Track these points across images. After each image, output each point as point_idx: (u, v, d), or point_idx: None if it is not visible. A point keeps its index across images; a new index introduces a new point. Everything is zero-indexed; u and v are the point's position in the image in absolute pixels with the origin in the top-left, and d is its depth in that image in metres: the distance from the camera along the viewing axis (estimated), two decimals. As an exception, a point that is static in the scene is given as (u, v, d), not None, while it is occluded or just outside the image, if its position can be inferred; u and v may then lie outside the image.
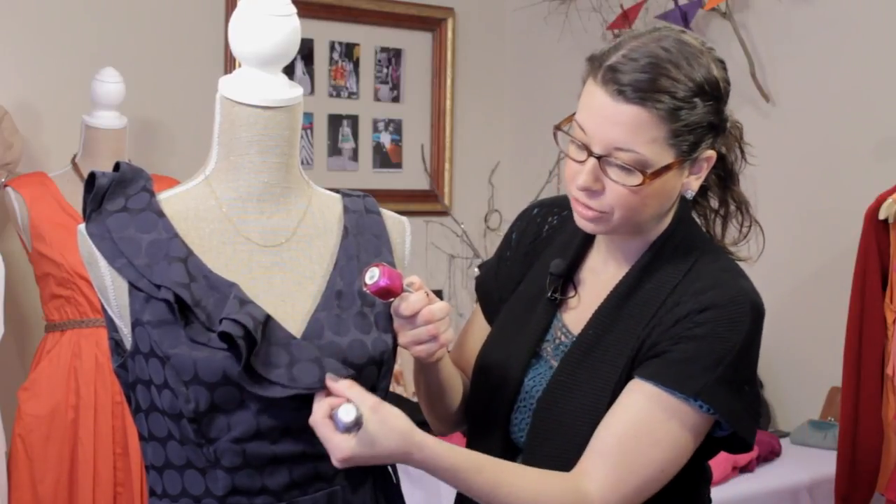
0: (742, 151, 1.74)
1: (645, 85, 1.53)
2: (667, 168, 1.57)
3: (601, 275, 1.72)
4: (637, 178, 1.56)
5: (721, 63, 1.63)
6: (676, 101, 1.54)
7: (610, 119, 1.55)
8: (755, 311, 1.60)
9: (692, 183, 1.64)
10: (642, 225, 1.65)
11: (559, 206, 1.83)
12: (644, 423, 1.57)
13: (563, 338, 1.71)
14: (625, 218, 1.60)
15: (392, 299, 1.57)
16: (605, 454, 1.57)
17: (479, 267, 1.92)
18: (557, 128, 1.63)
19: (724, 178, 1.74)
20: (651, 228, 1.67)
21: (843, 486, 3.10)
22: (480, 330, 1.83)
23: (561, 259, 1.73)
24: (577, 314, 1.72)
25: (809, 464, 3.36)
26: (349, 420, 1.45)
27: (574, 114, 1.62)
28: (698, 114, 1.57)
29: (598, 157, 1.57)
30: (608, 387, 1.61)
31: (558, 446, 1.62)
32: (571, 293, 1.73)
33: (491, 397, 1.71)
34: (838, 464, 3.12)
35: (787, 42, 3.84)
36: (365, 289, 1.55)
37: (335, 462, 1.48)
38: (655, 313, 1.62)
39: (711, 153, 1.63)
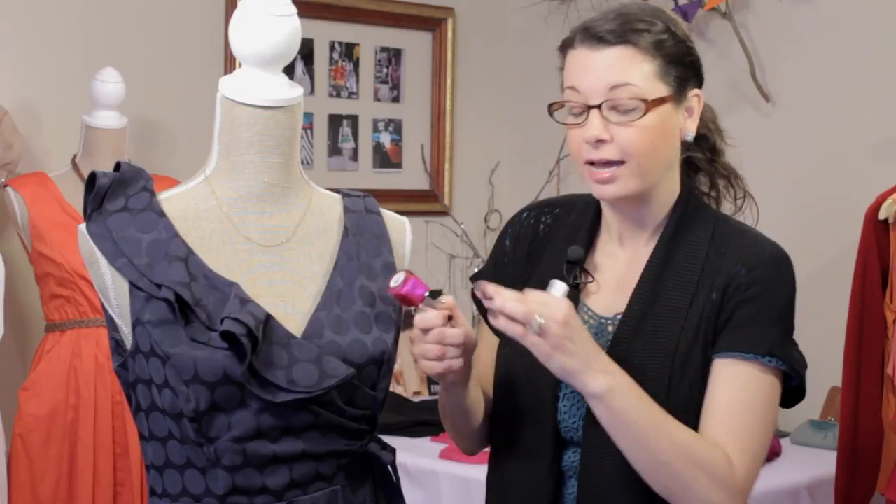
0: (720, 133, 1.82)
1: (621, 28, 1.64)
2: (662, 100, 1.64)
3: (619, 256, 1.75)
4: (639, 112, 1.63)
5: (681, 21, 1.74)
6: (655, 35, 1.65)
7: (599, 66, 1.64)
8: (790, 263, 1.70)
9: (688, 125, 1.71)
10: (655, 176, 1.68)
11: (549, 206, 1.85)
12: (735, 394, 1.63)
13: (591, 321, 1.72)
14: (640, 165, 1.64)
15: (412, 308, 1.58)
16: (721, 434, 1.62)
17: (472, 280, 1.91)
18: (552, 106, 1.70)
19: (710, 155, 1.81)
20: (661, 197, 1.71)
21: (843, 486, 3.10)
22: (489, 340, 1.82)
23: (577, 246, 1.74)
24: (601, 298, 1.73)
25: (809, 464, 3.36)
26: (563, 290, 1.55)
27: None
28: (676, 49, 1.67)
29: (599, 106, 1.63)
30: (667, 360, 1.64)
31: None
32: (589, 279, 1.74)
33: (532, 391, 1.70)
34: (838, 464, 3.12)
35: (787, 42, 3.84)
36: (388, 290, 1.58)
37: (557, 321, 1.51)
38: (698, 283, 1.67)
39: (699, 92, 1.71)
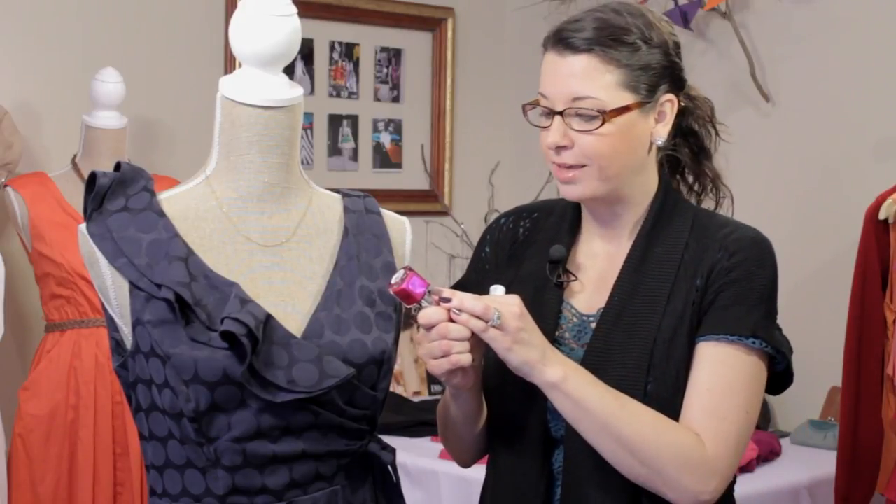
0: (715, 129, 1.82)
1: (591, 34, 1.65)
2: (625, 109, 1.65)
3: (600, 255, 1.76)
4: (597, 122, 1.64)
5: (666, 22, 1.73)
6: (624, 45, 1.65)
7: (564, 73, 1.65)
8: (771, 246, 1.72)
9: (659, 130, 1.71)
10: (621, 179, 1.70)
11: (526, 211, 1.88)
12: (717, 375, 1.64)
13: (574, 319, 1.73)
14: (602, 169, 1.66)
15: (413, 305, 1.58)
16: (697, 416, 1.63)
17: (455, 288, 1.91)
18: (525, 106, 1.72)
19: (697, 153, 1.82)
20: (634, 198, 1.73)
21: (843, 486, 3.10)
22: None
23: (559, 245, 1.75)
24: (585, 297, 1.75)
25: (809, 464, 3.36)
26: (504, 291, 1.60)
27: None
28: (648, 56, 1.66)
29: (561, 113, 1.65)
30: (646, 349, 1.65)
31: None
32: (572, 278, 1.75)
33: (522, 391, 1.69)
34: (838, 464, 3.12)
35: (787, 42, 3.84)
36: (388, 288, 1.57)
37: (514, 313, 1.55)
38: (678, 273, 1.69)
39: (672, 97, 1.71)
